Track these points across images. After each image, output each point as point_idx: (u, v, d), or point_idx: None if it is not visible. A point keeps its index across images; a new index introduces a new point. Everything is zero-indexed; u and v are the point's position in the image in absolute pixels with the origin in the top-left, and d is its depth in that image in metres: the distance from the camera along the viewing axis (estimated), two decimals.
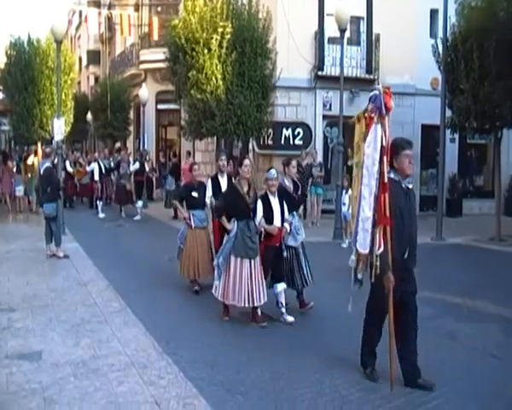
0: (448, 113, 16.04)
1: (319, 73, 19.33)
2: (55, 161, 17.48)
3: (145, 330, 7.44)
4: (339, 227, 14.86)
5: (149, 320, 7.83)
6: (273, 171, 7.92)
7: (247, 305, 7.68)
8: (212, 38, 14.95)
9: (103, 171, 20.94)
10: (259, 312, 7.88)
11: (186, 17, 15.51)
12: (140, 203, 19.72)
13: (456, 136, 18.30)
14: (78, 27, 48.02)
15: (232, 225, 7.69)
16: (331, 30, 18.05)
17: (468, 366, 6.45)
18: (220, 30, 14.99)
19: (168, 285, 10.06)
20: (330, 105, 19.38)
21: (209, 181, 9.93)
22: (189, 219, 9.58)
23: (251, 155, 19.98)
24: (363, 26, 20.17)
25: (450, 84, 15.61)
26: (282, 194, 8.04)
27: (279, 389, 5.80)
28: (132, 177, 20.20)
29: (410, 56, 19.34)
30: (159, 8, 29.71)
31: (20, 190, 20.88)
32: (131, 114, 30.50)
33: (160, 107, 29.64)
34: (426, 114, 19.28)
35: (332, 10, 16.34)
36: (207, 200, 9.77)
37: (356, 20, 19.59)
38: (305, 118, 19.48)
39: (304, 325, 7.86)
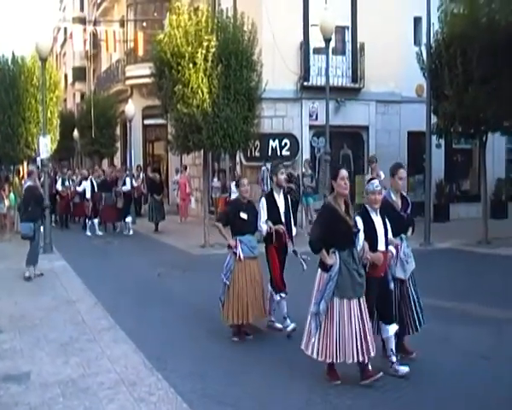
0: (433, 119, 16.12)
1: (305, 83, 19.37)
2: (41, 179, 17.39)
3: (135, 346, 7.37)
4: None
5: (139, 337, 7.74)
6: (376, 182, 6.27)
7: (358, 359, 5.91)
8: (197, 52, 14.92)
9: (95, 189, 20.44)
10: (369, 365, 6.03)
11: (171, 32, 15.48)
12: (130, 219, 19.67)
13: (442, 141, 18.38)
14: (63, 44, 48.20)
15: (334, 259, 5.97)
16: (316, 40, 18.05)
17: (461, 368, 6.45)
18: (205, 44, 14.97)
19: (157, 301, 10.00)
20: (316, 115, 19.39)
21: (263, 200, 7.97)
22: (236, 249, 7.61)
23: (238, 167, 20.02)
24: (347, 36, 20.24)
25: (435, 91, 15.72)
26: (387, 211, 6.38)
27: (270, 399, 5.77)
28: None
29: (395, 64, 19.42)
30: (144, 24, 29.72)
31: (0, 208, 20.83)
32: (118, 131, 30.43)
33: (147, 122, 29.60)
34: (412, 121, 19.36)
35: (317, 21, 16.43)
36: (263, 225, 7.78)
37: (341, 30, 19.64)
38: (291, 129, 19.50)
39: (295, 334, 7.74)
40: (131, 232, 19.38)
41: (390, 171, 6.84)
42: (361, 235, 6.08)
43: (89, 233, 19.43)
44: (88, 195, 20.10)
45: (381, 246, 6.18)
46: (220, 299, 7.71)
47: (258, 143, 18.52)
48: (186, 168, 23.38)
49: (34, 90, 22.11)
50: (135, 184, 21.30)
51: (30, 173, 12.86)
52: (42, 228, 13.75)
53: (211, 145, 15.41)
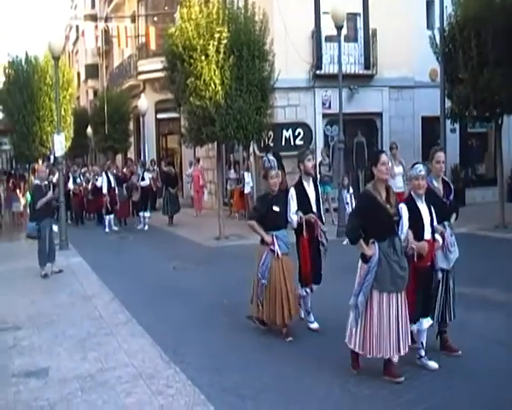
0: (448, 103, 15.96)
1: (317, 71, 19.26)
2: (54, 178, 17.44)
3: (152, 340, 7.38)
4: (342, 225, 14.74)
5: (156, 330, 7.76)
6: (420, 166, 5.99)
7: (393, 354, 5.76)
8: (209, 44, 14.86)
9: (112, 184, 19.99)
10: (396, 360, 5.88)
11: (182, 25, 15.44)
12: (148, 214, 19.72)
13: (457, 126, 18.22)
14: (75, 42, 48.39)
15: (373, 250, 5.70)
16: (328, 28, 17.90)
17: (478, 353, 6.40)
18: (217, 35, 14.91)
19: (173, 295, 10.01)
20: (330, 103, 19.29)
21: (292, 190, 7.51)
22: (274, 245, 7.22)
23: (252, 158, 19.97)
24: (359, 22, 20.09)
25: (449, 74, 15.55)
26: (430, 198, 6.13)
27: (289, 390, 5.75)
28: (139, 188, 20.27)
29: (408, 49, 19.24)
30: (155, 18, 29.72)
31: (17, 207, 21.07)
32: (131, 126, 30.50)
33: (160, 116, 29.63)
34: (425, 105, 19.22)
35: (328, 8, 16.31)
36: (293, 216, 7.37)
37: (352, 17, 19.49)
38: (304, 118, 19.40)
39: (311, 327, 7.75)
40: (146, 227, 19.39)
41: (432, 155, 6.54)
42: (405, 223, 5.83)
43: (107, 230, 19.32)
44: (105, 190, 19.88)
45: (427, 235, 5.95)
46: (259, 299, 7.29)
47: (271, 133, 18.46)
48: (199, 161, 23.39)
49: (48, 88, 22.35)
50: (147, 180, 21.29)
51: (35, 171, 12.75)
52: (56, 227, 13.71)
53: (224, 137, 15.37)
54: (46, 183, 12.36)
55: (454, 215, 6.63)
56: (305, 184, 7.55)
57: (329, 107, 19.29)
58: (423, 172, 5.92)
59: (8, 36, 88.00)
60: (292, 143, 18.80)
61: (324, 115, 19.62)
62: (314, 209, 7.49)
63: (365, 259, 5.74)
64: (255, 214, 7.51)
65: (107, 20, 33.36)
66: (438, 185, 6.42)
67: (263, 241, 7.33)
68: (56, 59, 16.42)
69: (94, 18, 36.78)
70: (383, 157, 5.77)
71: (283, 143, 18.86)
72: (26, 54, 23.49)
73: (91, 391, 5.83)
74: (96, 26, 30.25)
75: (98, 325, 8.17)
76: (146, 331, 7.75)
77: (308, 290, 7.59)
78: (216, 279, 11.05)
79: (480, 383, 5.66)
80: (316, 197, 7.59)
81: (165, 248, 15.32)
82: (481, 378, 5.77)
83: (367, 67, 19.79)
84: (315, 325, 7.63)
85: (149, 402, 5.51)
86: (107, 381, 6.08)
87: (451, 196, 6.55)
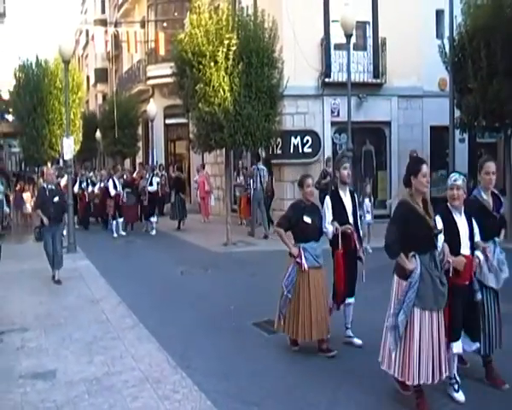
0: (457, 113, 15.94)
1: (326, 79, 19.25)
2: (63, 181, 17.46)
3: (158, 344, 7.40)
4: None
5: (163, 335, 7.77)
6: (455, 175, 5.59)
7: (431, 382, 5.27)
8: (218, 51, 14.92)
9: (118, 188, 19.89)
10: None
11: (192, 31, 15.49)
12: (155, 219, 19.76)
13: (466, 136, 18.16)
14: (85, 47, 48.66)
15: (415, 264, 5.22)
16: (337, 36, 17.93)
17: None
18: (226, 42, 14.97)
19: (181, 299, 10.04)
20: (338, 111, 19.27)
21: (327, 199, 7.18)
22: (300, 258, 6.82)
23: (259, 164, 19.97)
24: (368, 31, 20.07)
25: (458, 84, 15.55)
26: (477, 212, 5.68)
27: (294, 398, 5.75)
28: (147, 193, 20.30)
29: (417, 58, 19.21)
30: (165, 24, 29.80)
31: (26, 208, 21.25)
32: (140, 130, 30.57)
33: (169, 121, 29.69)
34: (434, 115, 19.19)
35: (337, 16, 16.33)
36: (329, 226, 7.02)
37: (361, 25, 19.49)
38: (313, 125, 19.40)
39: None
40: (154, 232, 19.43)
41: (480, 165, 6.11)
42: (441, 236, 5.37)
43: (115, 235, 19.17)
44: (112, 192, 19.70)
45: (465, 249, 5.48)
46: (281, 312, 6.94)
47: (279, 140, 18.49)
48: (204, 167, 23.44)
49: (57, 92, 22.46)
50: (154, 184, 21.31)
51: (42, 174, 12.62)
52: (65, 231, 13.68)
53: (233, 143, 15.40)
54: (53, 187, 12.07)
55: (503, 231, 6.10)
56: (341, 193, 7.20)
57: (338, 115, 19.27)
58: (459, 182, 5.49)
59: (19, 39, 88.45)
60: (300, 151, 18.83)
61: (333, 123, 19.59)
62: (351, 220, 7.13)
63: (403, 274, 5.28)
64: (284, 222, 7.05)
65: (116, 25, 33.55)
66: (487, 198, 5.92)
67: (291, 252, 6.99)
68: (66, 63, 16.52)
69: (104, 23, 36.98)
70: (424, 168, 5.32)
71: (291, 150, 18.88)
72: (37, 57, 23.65)
73: (98, 395, 5.85)
74: (106, 31, 30.32)
75: (105, 329, 8.19)
76: (153, 336, 7.77)
77: (335, 306, 7.25)
78: (224, 285, 11.08)
79: (485, 389, 5.70)
80: (353, 207, 7.24)
81: (172, 253, 15.33)
82: (483, 387, 5.79)
83: (376, 75, 19.77)
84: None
85: (156, 407, 5.53)
86: (114, 385, 6.10)
87: (502, 210, 6.08)
